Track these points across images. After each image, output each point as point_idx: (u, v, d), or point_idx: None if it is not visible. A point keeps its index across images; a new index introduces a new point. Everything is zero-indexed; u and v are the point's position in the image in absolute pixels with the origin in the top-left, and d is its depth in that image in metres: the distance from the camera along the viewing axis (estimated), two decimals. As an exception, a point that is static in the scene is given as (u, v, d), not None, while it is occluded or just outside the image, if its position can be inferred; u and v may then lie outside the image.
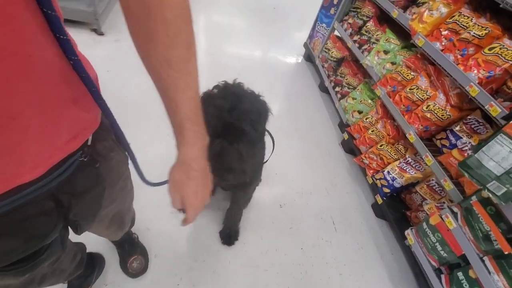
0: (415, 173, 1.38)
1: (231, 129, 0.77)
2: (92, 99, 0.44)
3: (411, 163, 1.41)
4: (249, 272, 1.22)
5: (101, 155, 0.52)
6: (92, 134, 0.48)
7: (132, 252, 1.10)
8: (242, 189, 1.16)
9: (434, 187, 1.33)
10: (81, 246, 0.91)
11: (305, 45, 2.67)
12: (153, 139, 1.54)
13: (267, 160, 1.12)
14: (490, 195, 0.93)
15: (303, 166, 1.71)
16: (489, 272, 0.95)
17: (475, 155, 0.96)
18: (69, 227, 0.54)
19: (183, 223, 0.58)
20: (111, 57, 2.03)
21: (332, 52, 2.20)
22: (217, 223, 1.33)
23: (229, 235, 1.32)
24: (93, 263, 1.05)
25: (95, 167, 0.50)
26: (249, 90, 0.88)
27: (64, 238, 0.53)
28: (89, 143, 0.47)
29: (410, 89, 1.39)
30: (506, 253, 0.91)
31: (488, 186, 0.93)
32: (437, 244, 1.16)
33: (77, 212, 0.50)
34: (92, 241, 0.93)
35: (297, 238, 1.35)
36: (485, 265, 0.97)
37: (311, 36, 2.59)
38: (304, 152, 1.81)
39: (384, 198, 1.49)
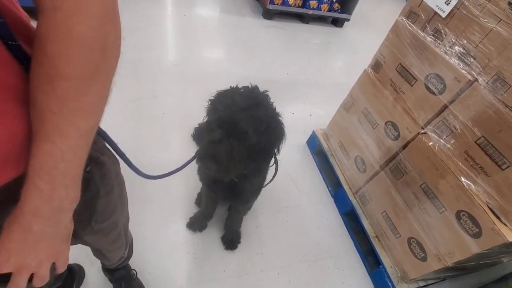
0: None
1: (236, 126, 0.79)
2: None
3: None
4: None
5: (91, 159, 0.52)
6: None
7: None
8: (242, 204, 1.23)
9: None
10: None
11: None
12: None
13: (267, 184, 1.16)
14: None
15: None
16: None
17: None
18: None
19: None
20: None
21: None
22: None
23: (231, 240, 1.36)
24: (71, 275, 1.06)
25: (85, 171, 0.47)
26: (273, 106, 0.89)
27: None
28: None
29: None
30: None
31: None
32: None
33: None
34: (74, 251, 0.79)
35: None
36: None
37: None
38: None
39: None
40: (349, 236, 1.60)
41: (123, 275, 1.09)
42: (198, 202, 1.52)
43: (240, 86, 0.91)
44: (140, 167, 0.66)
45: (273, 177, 1.12)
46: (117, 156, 0.62)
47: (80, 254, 1.21)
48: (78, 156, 0.40)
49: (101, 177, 0.56)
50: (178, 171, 0.71)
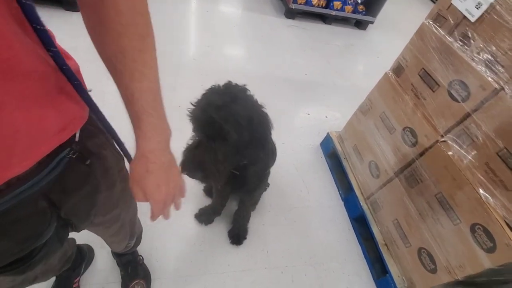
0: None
1: (214, 127, 0.73)
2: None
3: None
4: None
5: (92, 153, 0.51)
6: (80, 130, 0.47)
7: (134, 276, 1.11)
8: (248, 195, 1.19)
9: None
10: (70, 241, 0.90)
11: None
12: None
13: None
14: None
15: None
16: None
17: None
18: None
19: (150, 218, 0.57)
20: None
21: None
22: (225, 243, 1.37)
23: (237, 235, 1.36)
24: (81, 255, 1.07)
25: (85, 165, 0.49)
26: (253, 98, 0.82)
27: (63, 236, 0.54)
28: (76, 139, 0.46)
29: None
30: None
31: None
32: None
33: (68, 211, 0.50)
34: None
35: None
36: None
37: None
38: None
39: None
40: (357, 242, 1.57)
41: (130, 260, 1.14)
42: (206, 190, 1.54)
43: (244, 84, 0.85)
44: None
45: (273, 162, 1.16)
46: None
47: (92, 236, 1.24)
48: (159, 89, 0.47)
49: (102, 172, 0.55)
50: None
